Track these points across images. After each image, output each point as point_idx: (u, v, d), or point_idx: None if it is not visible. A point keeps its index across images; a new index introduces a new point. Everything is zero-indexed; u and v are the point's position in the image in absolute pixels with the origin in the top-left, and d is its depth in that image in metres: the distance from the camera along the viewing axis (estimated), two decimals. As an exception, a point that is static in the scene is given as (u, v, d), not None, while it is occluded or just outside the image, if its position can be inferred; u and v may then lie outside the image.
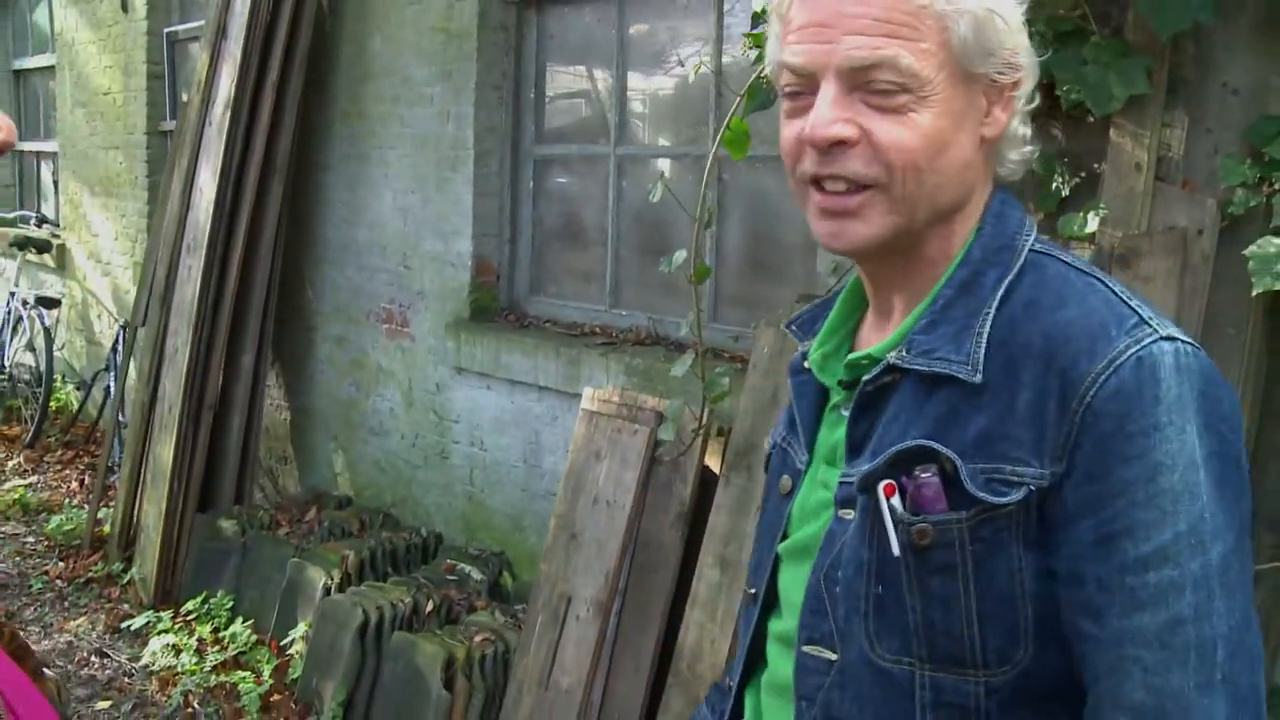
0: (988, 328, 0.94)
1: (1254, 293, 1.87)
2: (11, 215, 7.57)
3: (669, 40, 3.67)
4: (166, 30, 5.82)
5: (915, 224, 0.96)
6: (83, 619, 4.23)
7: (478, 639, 3.29)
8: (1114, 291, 0.94)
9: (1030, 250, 0.99)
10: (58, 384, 6.72)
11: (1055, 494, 0.88)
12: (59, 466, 6.09)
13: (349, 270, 4.59)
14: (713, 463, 2.95)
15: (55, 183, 7.29)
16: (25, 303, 6.58)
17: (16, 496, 5.45)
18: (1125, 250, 2.09)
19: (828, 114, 0.93)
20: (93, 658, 3.91)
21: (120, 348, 5.51)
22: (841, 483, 1.00)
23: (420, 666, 3.20)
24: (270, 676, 3.63)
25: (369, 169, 4.43)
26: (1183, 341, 0.89)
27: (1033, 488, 0.89)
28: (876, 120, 0.92)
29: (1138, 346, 0.87)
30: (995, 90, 0.97)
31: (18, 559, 4.81)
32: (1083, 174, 2.21)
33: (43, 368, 6.28)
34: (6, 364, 6.75)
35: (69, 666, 3.84)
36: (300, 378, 4.91)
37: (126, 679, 3.77)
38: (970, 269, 0.98)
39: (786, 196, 2.54)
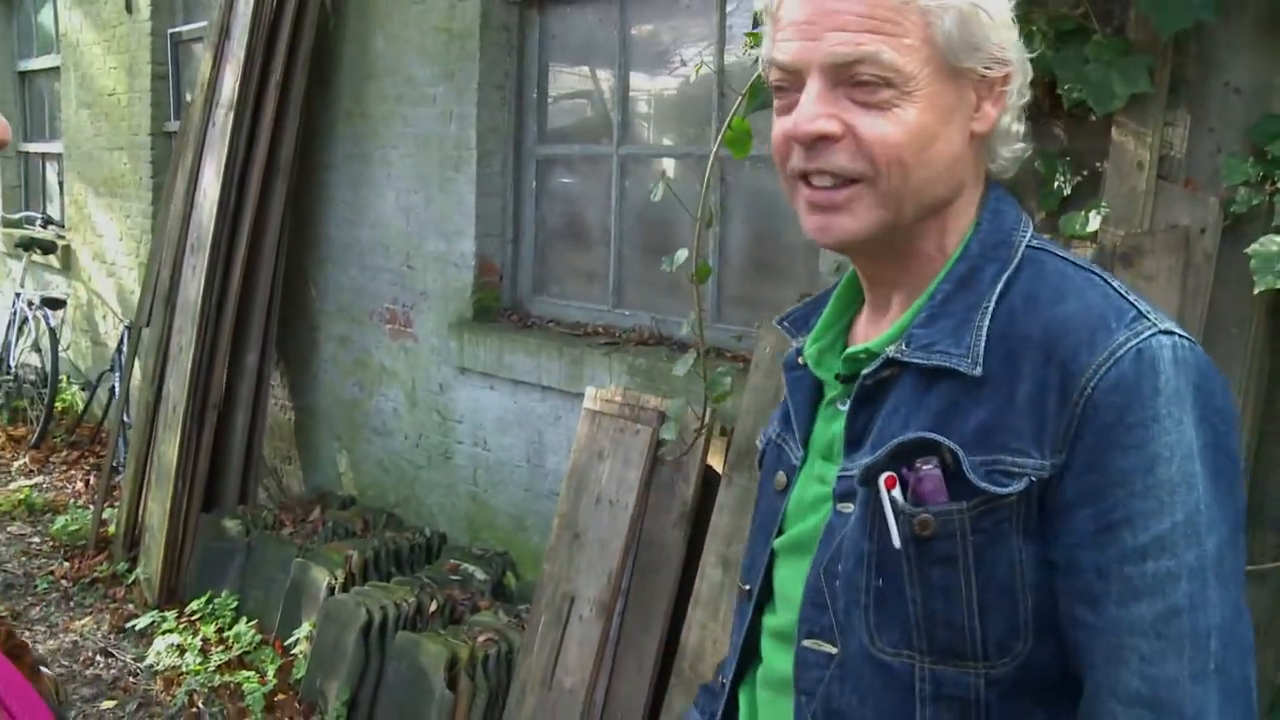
0: (987, 321, 0.95)
1: (1256, 291, 1.87)
2: (17, 216, 7.60)
3: (671, 40, 3.67)
4: (170, 31, 5.83)
5: (903, 218, 0.97)
6: (88, 619, 4.24)
7: (481, 639, 3.29)
8: (1112, 286, 0.94)
9: (1027, 246, 0.99)
10: (63, 384, 6.74)
11: (1055, 485, 0.89)
12: (64, 467, 6.11)
13: (352, 270, 4.60)
14: (715, 462, 2.95)
15: (60, 184, 7.30)
16: (31, 303, 6.59)
17: (22, 497, 5.47)
18: (1128, 249, 2.09)
19: (811, 109, 0.94)
20: (98, 657, 3.92)
21: (125, 348, 5.52)
22: (841, 476, 1.01)
23: (424, 666, 3.20)
24: (274, 676, 3.64)
25: (372, 169, 4.43)
26: (1179, 336, 0.90)
27: (1033, 479, 0.89)
28: (860, 115, 0.93)
29: (1137, 339, 0.88)
30: (985, 85, 0.97)
31: (23, 559, 4.83)
32: (1085, 173, 2.21)
33: (48, 368, 6.30)
34: (12, 365, 6.77)
35: (74, 666, 3.85)
36: (304, 377, 4.92)
37: (131, 679, 3.78)
38: (969, 264, 0.99)
39: (788, 196, 2.54)
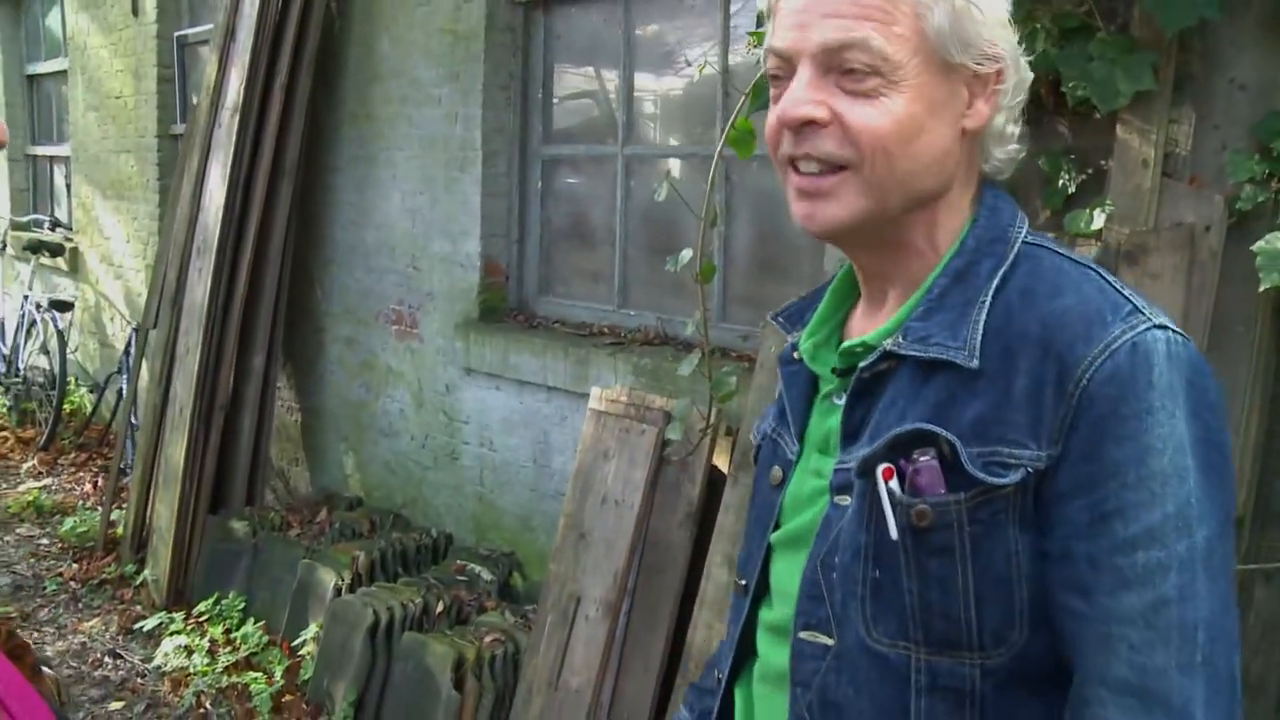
0: (984, 315, 0.96)
1: (1261, 288, 1.86)
2: (25, 219, 7.63)
3: (676, 40, 3.67)
4: (177, 34, 5.84)
5: (889, 209, 0.98)
6: (96, 620, 4.25)
7: (488, 639, 3.29)
8: (1107, 281, 0.96)
9: (1023, 242, 1.00)
10: (71, 387, 6.76)
11: (1051, 476, 0.90)
12: (73, 469, 6.13)
13: (358, 272, 4.60)
14: (721, 462, 2.95)
15: (68, 186, 7.33)
16: (39, 306, 6.62)
17: (31, 499, 5.49)
18: (1132, 247, 2.08)
19: (799, 95, 0.96)
20: (106, 659, 3.94)
21: (132, 350, 5.54)
22: (838, 469, 1.01)
23: (430, 667, 3.21)
24: (281, 677, 3.65)
25: (377, 170, 4.44)
26: (1173, 331, 0.91)
27: (1030, 470, 0.90)
28: (848, 103, 0.95)
29: (1132, 333, 0.89)
30: (978, 83, 0.98)
31: (32, 561, 4.85)
32: (1089, 171, 2.20)
33: (56, 371, 6.32)
34: (21, 367, 6.80)
35: (82, 667, 3.86)
36: (310, 379, 4.93)
37: (139, 680, 3.79)
38: (965, 259, 1.00)
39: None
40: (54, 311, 6.49)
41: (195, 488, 4.40)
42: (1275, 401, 2.05)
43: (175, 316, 4.62)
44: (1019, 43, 1.02)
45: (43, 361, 6.67)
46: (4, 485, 5.83)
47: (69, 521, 5.14)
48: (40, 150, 7.89)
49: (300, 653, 3.69)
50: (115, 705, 3.61)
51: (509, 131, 4.03)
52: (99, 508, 5.22)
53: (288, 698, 3.57)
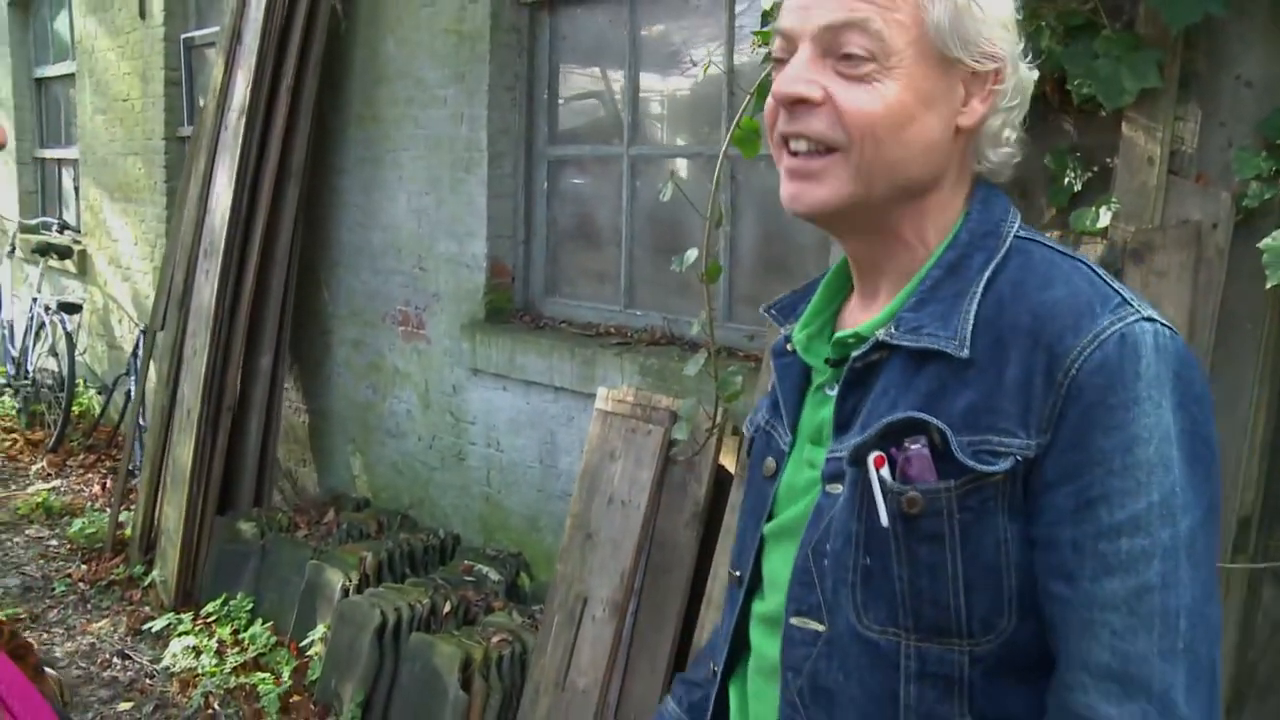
0: (974, 307, 0.97)
1: (1268, 286, 1.85)
2: (34, 222, 7.66)
3: (681, 40, 3.67)
4: (183, 36, 5.87)
5: (874, 195, 0.99)
6: (105, 621, 4.27)
7: (495, 639, 3.30)
8: (1097, 274, 0.97)
9: (1015, 236, 1.02)
10: (80, 388, 6.78)
11: (1039, 464, 0.91)
12: (81, 470, 6.15)
13: (364, 273, 4.61)
14: (727, 462, 2.94)
15: (76, 189, 7.36)
16: (48, 308, 6.64)
17: (40, 500, 5.51)
18: (1139, 245, 2.07)
19: (795, 73, 0.98)
20: (114, 659, 3.95)
21: (140, 352, 5.56)
22: (829, 458, 1.02)
23: (438, 667, 3.21)
24: (289, 678, 3.66)
25: (383, 172, 4.45)
26: (1160, 323, 0.92)
27: (1019, 458, 0.91)
28: (842, 85, 0.97)
29: (1121, 324, 0.91)
30: (976, 81, 0.99)
31: (41, 562, 4.86)
32: (1095, 168, 2.20)
33: (65, 372, 6.34)
34: (30, 369, 6.82)
35: (91, 668, 3.87)
36: (317, 380, 4.94)
37: (148, 680, 3.80)
38: (958, 252, 1.01)
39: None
40: (62, 314, 6.51)
41: (203, 489, 4.41)
42: (1283, 399, 2.04)
43: (183, 318, 4.63)
44: (1023, 40, 1.03)
45: (51, 364, 6.70)
46: (13, 487, 5.86)
47: (77, 523, 5.15)
48: (48, 153, 7.92)
49: (308, 653, 3.70)
50: (124, 706, 3.62)
51: (515, 132, 4.04)
52: (107, 509, 5.24)
53: (295, 698, 3.58)
